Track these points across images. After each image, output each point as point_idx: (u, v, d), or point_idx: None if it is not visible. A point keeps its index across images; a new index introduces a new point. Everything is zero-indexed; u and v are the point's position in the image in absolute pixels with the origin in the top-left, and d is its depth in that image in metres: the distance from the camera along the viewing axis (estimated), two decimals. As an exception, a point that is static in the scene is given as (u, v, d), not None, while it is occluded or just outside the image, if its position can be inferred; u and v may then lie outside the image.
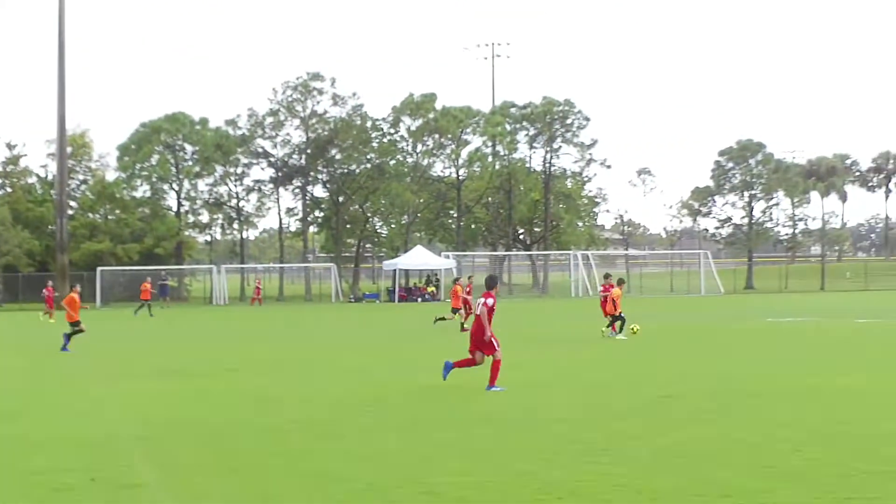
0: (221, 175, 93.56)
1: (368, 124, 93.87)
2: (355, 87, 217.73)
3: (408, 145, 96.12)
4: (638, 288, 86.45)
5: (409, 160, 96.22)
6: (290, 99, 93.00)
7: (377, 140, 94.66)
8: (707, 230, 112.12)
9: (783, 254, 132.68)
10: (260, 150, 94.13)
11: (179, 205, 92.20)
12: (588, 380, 20.83)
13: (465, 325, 37.12)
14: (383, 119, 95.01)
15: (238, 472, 11.48)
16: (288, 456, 12.40)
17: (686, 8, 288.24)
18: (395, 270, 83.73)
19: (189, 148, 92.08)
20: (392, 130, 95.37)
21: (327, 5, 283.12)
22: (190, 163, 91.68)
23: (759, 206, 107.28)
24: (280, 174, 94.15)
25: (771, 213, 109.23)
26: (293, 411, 16.50)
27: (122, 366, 26.09)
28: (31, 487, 10.86)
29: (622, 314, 32.93)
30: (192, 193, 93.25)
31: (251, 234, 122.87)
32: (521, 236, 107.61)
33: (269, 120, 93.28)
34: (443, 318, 40.19)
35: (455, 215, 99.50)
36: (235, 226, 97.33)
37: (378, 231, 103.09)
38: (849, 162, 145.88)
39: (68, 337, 31.33)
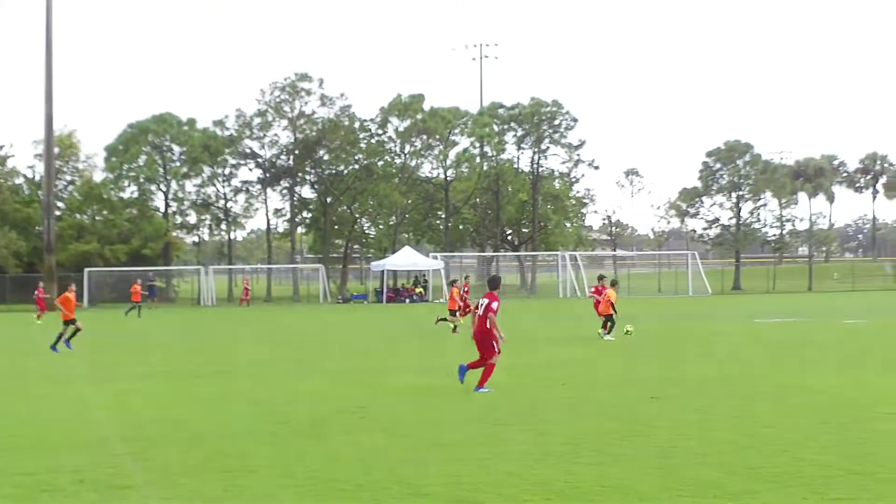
0: (209, 176, 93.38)
1: (356, 125, 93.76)
2: (343, 87, 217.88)
3: (396, 146, 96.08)
4: (626, 289, 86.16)
5: (397, 161, 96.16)
6: (277, 99, 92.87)
7: (365, 141, 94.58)
8: (695, 231, 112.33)
9: (771, 254, 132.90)
10: (248, 150, 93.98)
11: (167, 205, 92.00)
12: (576, 380, 20.87)
13: (457, 328, 37.14)
14: (371, 120, 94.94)
15: (227, 473, 11.47)
16: (277, 457, 12.40)
17: (674, 9, 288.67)
18: (382, 271, 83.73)
19: (177, 148, 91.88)
20: (380, 131, 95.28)
21: (315, 6, 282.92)
22: (177, 163, 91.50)
23: (746, 207, 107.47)
24: (268, 175, 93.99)
25: (758, 214, 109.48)
26: (282, 412, 16.49)
27: (110, 367, 26.05)
28: (18, 488, 10.85)
29: (613, 316, 32.96)
30: (180, 194, 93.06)
31: (239, 234, 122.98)
32: (508, 237, 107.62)
33: (257, 120, 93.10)
34: (444, 319, 40.21)
35: (443, 216, 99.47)
36: (223, 227, 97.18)
37: (366, 232, 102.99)
38: (836, 163, 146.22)
39: (60, 336, 31.34)
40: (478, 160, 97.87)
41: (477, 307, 19.84)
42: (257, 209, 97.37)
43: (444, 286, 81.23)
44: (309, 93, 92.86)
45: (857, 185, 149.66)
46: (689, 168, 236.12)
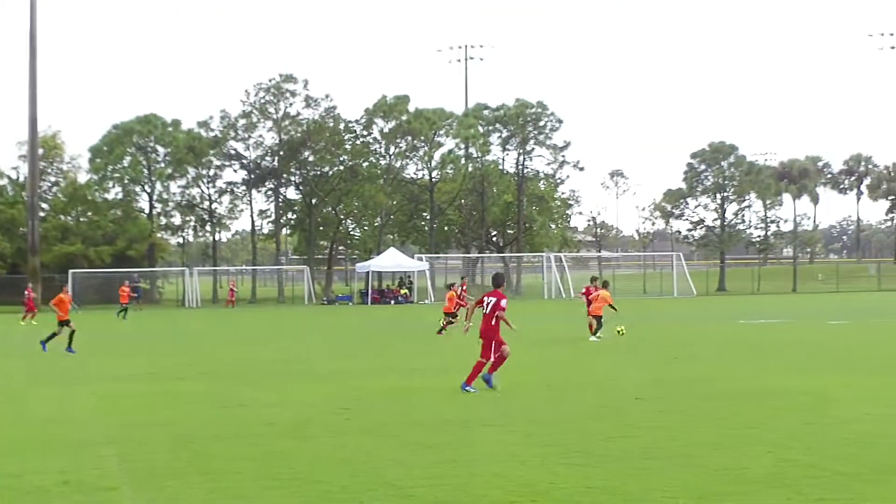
0: (194, 177, 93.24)
1: (341, 126, 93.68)
2: (328, 88, 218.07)
3: (381, 147, 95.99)
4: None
5: (382, 162, 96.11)
6: (262, 101, 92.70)
7: (350, 142, 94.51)
8: (679, 232, 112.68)
9: (755, 255, 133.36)
10: (232, 151, 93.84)
11: (152, 207, 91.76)
12: (561, 381, 20.90)
13: (443, 331, 37.05)
14: (356, 121, 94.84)
15: (211, 474, 11.45)
16: (261, 459, 12.39)
17: (659, 11, 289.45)
18: (367, 272, 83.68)
19: (161, 150, 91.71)
20: (365, 132, 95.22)
21: (300, 7, 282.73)
22: (162, 164, 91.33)
23: (731, 208, 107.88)
24: (253, 176, 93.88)
25: (743, 215, 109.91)
26: (266, 414, 16.47)
27: (94, 368, 25.99)
28: (3, 490, 10.80)
29: (601, 318, 33.06)
30: (165, 195, 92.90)
31: (224, 236, 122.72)
32: (493, 238, 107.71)
33: (242, 122, 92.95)
34: (447, 325, 40.05)
35: (428, 217, 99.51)
36: (208, 228, 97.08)
37: (351, 233, 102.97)
38: (821, 164, 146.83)
39: (53, 335, 31.47)
40: (463, 161, 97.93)
41: (478, 304, 19.67)
42: (242, 210, 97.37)
43: (429, 288, 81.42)
44: (294, 94, 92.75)
45: (842, 186, 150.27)
46: (673, 169, 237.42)
